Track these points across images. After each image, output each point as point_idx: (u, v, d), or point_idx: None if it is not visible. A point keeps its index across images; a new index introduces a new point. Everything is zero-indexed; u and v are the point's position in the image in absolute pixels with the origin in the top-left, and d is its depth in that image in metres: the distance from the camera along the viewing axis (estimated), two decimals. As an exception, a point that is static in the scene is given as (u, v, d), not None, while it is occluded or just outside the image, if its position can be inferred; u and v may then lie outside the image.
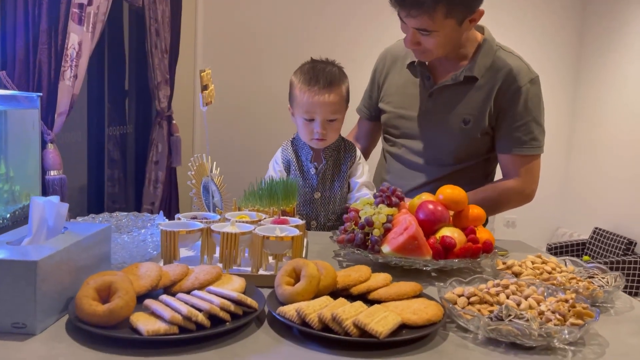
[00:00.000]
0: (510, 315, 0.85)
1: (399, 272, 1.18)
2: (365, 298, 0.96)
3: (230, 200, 1.38)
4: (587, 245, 4.56)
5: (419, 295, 0.97)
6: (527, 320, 0.84)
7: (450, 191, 1.26)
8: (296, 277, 0.95)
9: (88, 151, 2.88)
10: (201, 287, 0.95)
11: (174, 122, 3.62)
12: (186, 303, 0.85)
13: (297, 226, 1.14)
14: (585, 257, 4.56)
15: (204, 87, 1.24)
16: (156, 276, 0.93)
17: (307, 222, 1.64)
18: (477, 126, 1.59)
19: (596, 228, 4.44)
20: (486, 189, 1.65)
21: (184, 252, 1.20)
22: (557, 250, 4.53)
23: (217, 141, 4.22)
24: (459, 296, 0.95)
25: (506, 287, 0.99)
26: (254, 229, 1.08)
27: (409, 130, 1.71)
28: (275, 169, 1.67)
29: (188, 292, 0.92)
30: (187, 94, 4.06)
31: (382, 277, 1.00)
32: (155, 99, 3.35)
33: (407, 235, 1.12)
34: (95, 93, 2.90)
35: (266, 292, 0.98)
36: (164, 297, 0.85)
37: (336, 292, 0.98)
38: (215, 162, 1.47)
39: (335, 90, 1.53)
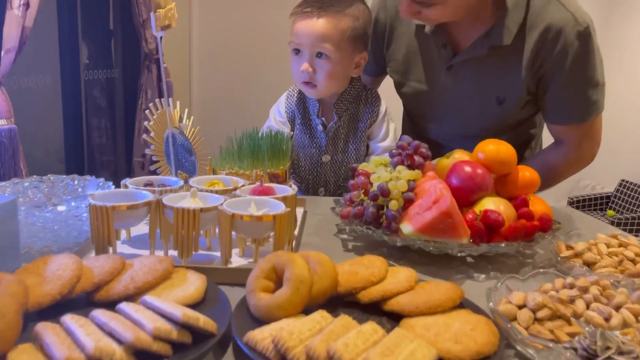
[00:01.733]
0: (609, 348, 0.55)
1: (423, 257, 0.87)
2: (380, 307, 0.66)
3: (207, 160, 1.06)
4: (612, 198, 4.25)
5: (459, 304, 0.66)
6: (637, 357, 0.54)
7: (495, 147, 0.94)
8: (277, 279, 0.65)
9: (63, 98, 2.55)
10: (139, 293, 0.65)
11: (164, 65, 3.27)
12: (102, 328, 0.55)
13: (284, 198, 0.83)
14: (610, 212, 4.25)
15: (158, 5, 0.90)
16: (70, 278, 0.63)
17: (314, 190, 1.34)
18: (514, 103, 1.22)
19: (622, 180, 4.12)
20: (536, 166, 1.32)
21: (141, 229, 0.90)
22: (580, 204, 4.21)
23: (208, 86, 3.86)
24: (520, 307, 0.64)
25: (585, 290, 0.68)
26: (221, 204, 0.77)
27: (431, 110, 1.34)
28: (276, 119, 1.34)
29: (119, 301, 0.62)
30: (180, 34, 3.68)
31: (404, 276, 0.69)
32: (142, 39, 3.00)
33: (438, 212, 0.80)
34: (66, 30, 2.54)
35: (240, 293, 0.68)
36: (67, 318, 0.55)
37: (337, 298, 0.68)
38: (187, 110, 1.15)
39: (331, 15, 1.16)
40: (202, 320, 0.57)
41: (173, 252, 0.80)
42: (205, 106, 3.86)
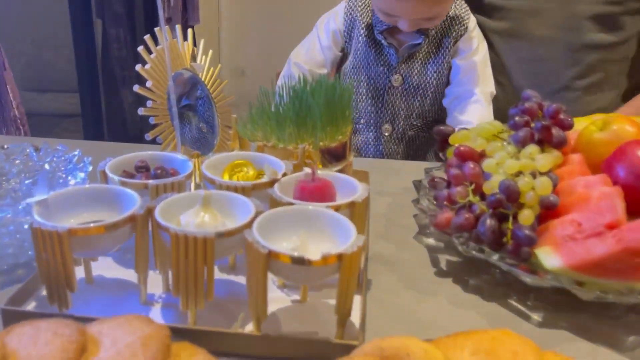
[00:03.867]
0: None
1: (564, 294, 0.55)
2: None
3: (231, 121, 0.74)
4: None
5: None
6: None
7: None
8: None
9: (70, 3, 2.21)
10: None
11: (187, -36, 2.86)
12: None
13: (351, 206, 0.51)
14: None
15: None
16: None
17: (377, 127, 1.05)
18: None
19: None
20: None
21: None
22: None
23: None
24: None
25: None
26: (249, 224, 0.46)
27: None
28: (326, 30, 1.06)
29: None
30: None
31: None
32: None
33: (620, 247, 0.47)
34: None
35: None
36: None
37: None
38: (203, 41, 0.81)
39: None
40: None
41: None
42: (239, 18, 3.43)
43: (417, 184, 0.71)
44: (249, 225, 0.47)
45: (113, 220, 0.46)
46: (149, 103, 0.65)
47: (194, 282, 0.46)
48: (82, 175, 0.60)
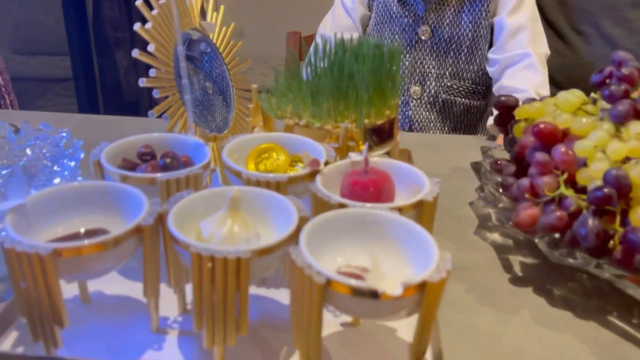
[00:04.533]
0: None
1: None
2: None
3: (250, 91, 0.62)
4: None
5: None
6: None
7: None
8: None
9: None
10: None
11: None
12: None
13: (419, 207, 0.39)
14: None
15: None
16: None
17: (404, 88, 0.95)
18: None
19: None
20: None
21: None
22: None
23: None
24: None
25: None
26: (293, 235, 0.34)
27: None
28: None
29: None
30: None
31: None
32: None
33: None
34: None
35: None
36: None
37: None
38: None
39: None
40: None
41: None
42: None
43: (476, 167, 0.59)
44: (293, 237, 0.35)
45: (113, 235, 0.34)
46: (152, 72, 0.52)
47: (223, 313, 0.35)
48: (72, 164, 0.48)
